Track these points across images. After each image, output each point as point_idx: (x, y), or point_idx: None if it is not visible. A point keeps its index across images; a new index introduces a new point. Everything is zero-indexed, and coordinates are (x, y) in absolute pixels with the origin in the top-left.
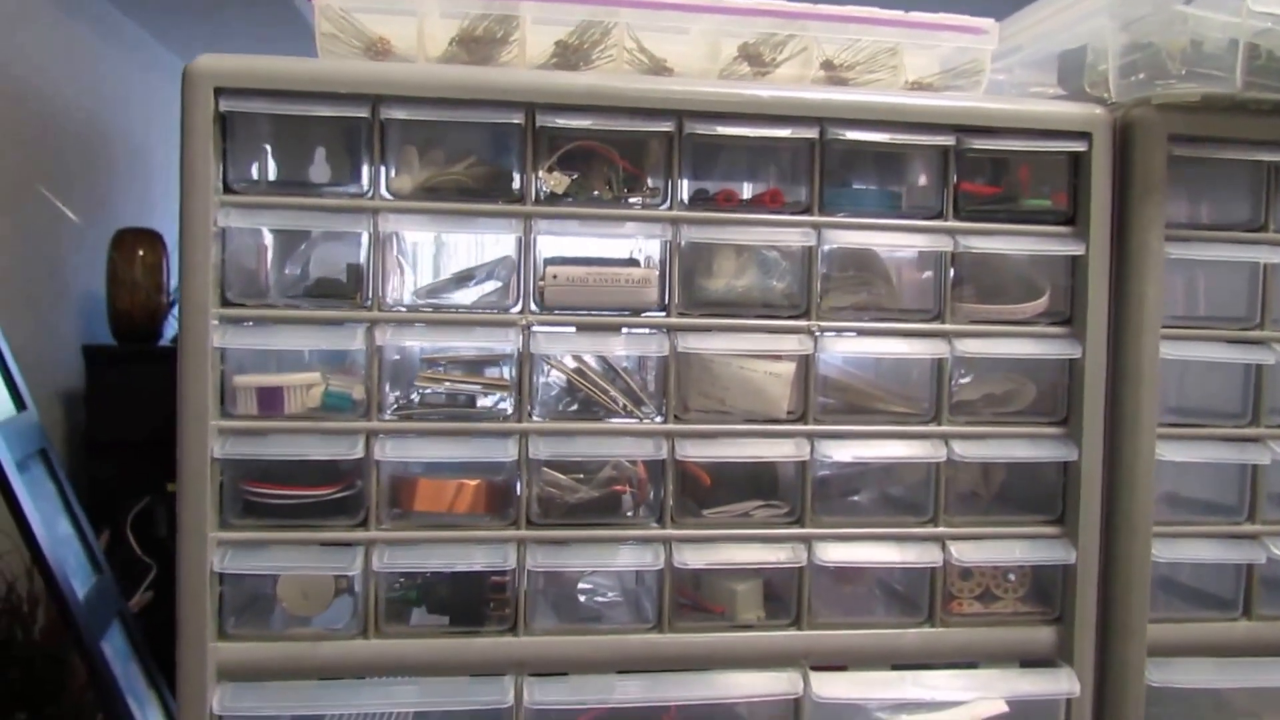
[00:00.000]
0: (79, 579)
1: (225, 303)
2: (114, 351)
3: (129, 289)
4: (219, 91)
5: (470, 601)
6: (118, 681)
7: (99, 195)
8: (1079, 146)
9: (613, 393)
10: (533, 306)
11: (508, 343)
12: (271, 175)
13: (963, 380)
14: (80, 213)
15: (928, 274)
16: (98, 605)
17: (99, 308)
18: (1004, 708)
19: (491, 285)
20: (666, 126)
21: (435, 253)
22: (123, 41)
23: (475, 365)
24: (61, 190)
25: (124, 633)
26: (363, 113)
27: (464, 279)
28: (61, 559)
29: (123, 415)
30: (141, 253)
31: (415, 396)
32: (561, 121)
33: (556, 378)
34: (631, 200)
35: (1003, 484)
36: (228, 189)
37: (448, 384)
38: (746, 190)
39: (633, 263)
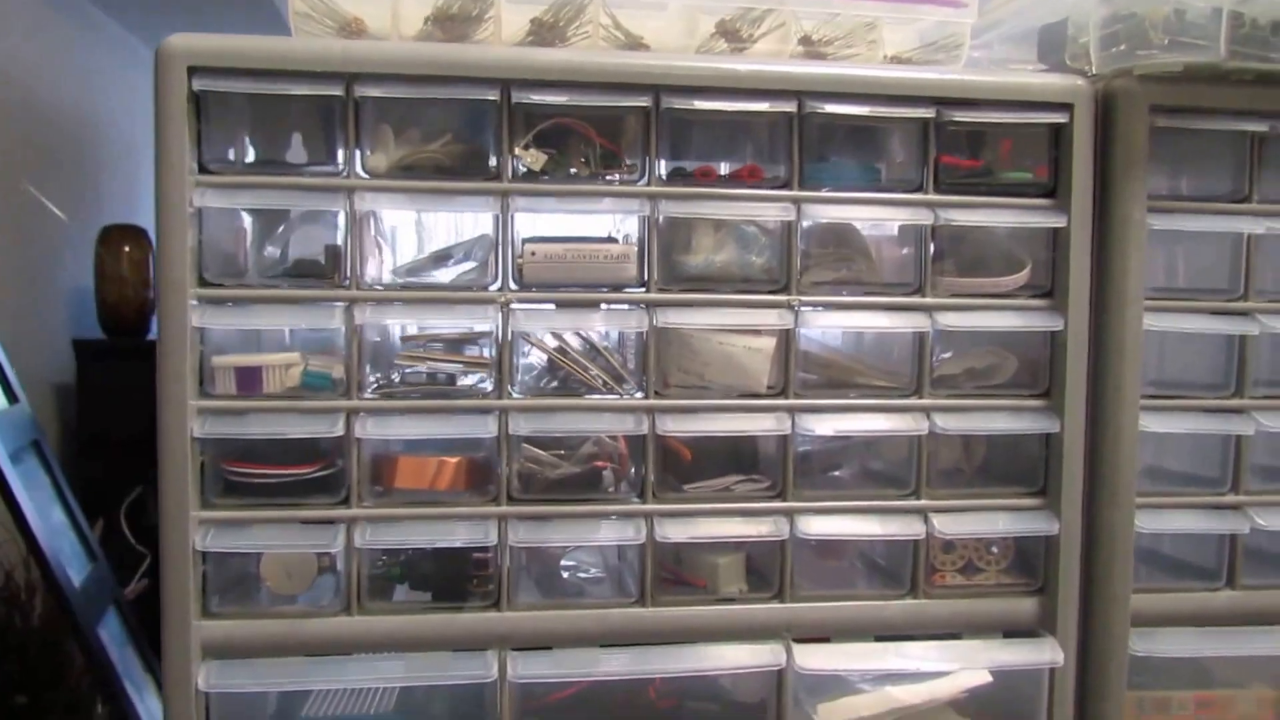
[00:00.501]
0: (74, 567)
1: (204, 283)
2: (103, 345)
3: (116, 284)
4: (192, 71)
5: (453, 578)
6: (114, 666)
7: (86, 192)
8: (1060, 118)
9: (593, 370)
10: (511, 284)
11: (487, 320)
12: (248, 156)
13: (944, 355)
14: (68, 210)
15: (908, 249)
16: (93, 592)
17: (88, 303)
18: (987, 678)
19: (470, 264)
20: (643, 101)
21: (414, 233)
22: (107, 40)
23: (455, 344)
24: (49, 188)
25: (120, 619)
26: (337, 91)
27: (442, 258)
28: (56, 548)
29: (113, 407)
30: (128, 248)
31: (395, 376)
32: (537, 98)
33: (538, 357)
34: (609, 177)
35: (985, 458)
36: (203, 169)
37: (428, 363)
38: (725, 169)
39: (611, 241)
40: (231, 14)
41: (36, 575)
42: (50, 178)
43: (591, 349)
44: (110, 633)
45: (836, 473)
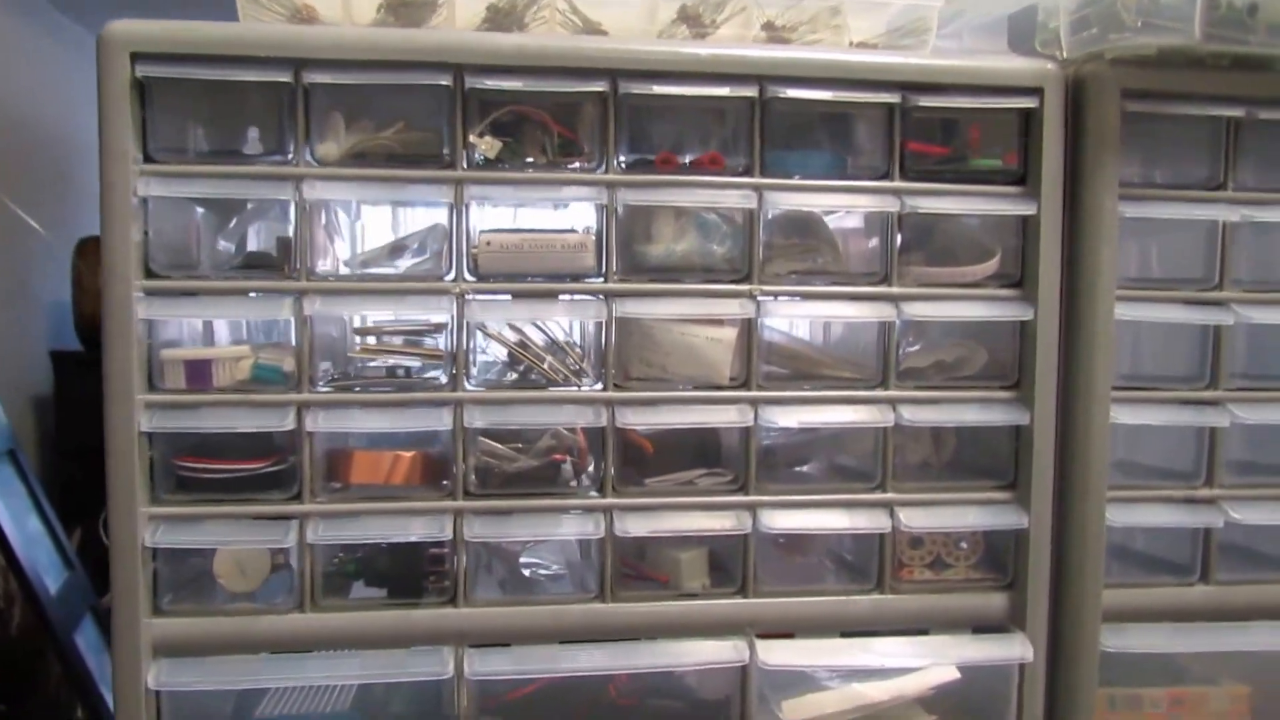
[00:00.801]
0: (51, 576)
1: (151, 275)
2: (81, 357)
3: (93, 295)
4: (135, 57)
5: (409, 574)
6: (92, 674)
7: (63, 205)
8: (1029, 103)
9: (551, 362)
10: (467, 275)
11: (441, 311)
12: (196, 145)
13: (912, 348)
14: (45, 222)
15: (876, 241)
16: (70, 601)
17: (66, 315)
18: (956, 674)
19: (425, 254)
20: (599, 87)
21: (369, 225)
22: (82, 52)
23: (410, 336)
24: (27, 201)
25: (96, 627)
26: (284, 77)
27: (398, 250)
28: (33, 557)
29: (91, 418)
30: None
31: (348, 369)
32: (491, 83)
33: (498, 351)
34: (569, 166)
35: (954, 452)
36: (149, 159)
37: (380, 355)
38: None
39: (570, 231)
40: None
41: (14, 585)
42: (26, 190)
43: (551, 342)
44: (87, 640)
45: (803, 468)
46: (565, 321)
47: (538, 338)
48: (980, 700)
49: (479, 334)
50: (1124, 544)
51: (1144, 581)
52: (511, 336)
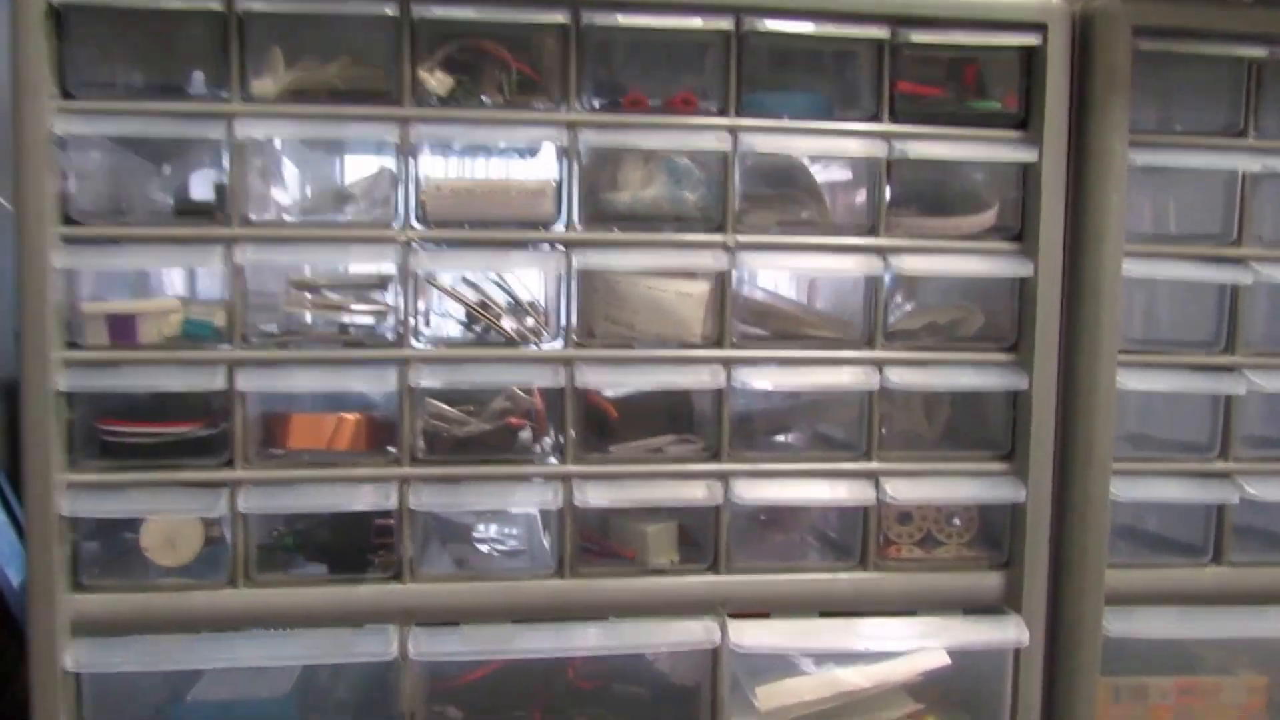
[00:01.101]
0: (13, 567)
1: (70, 222)
2: None
3: None
4: None
5: (351, 547)
6: None
7: None
8: (1032, 40)
9: (513, 324)
10: (415, 223)
11: (387, 262)
12: (124, 81)
13: (903, 309)
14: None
15: (863, 194)
16: None
17: None
18: (945, 660)
19: (371, 202)
20: (560, 17)
21: (317, 176)
22: None
23: (355, 289)
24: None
25: None
26: (215, 5)
27: (343, 198)
28: None
29: None
30: None
31: (291, 326)
32: (440, 10)
33: (453, 310)
34: (531, 106)
35: (948, 422)
36: (69, 95)
37: (319, 309)
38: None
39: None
40: None
41: None
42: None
43: (514, 302)
44: None
45: (783, 438)
46: (528, 280)
47: (501, 299)
48: (971, 688)
49: (434, 293)
50: (1130, 523)
51: (1151, 562)
52: (472, 296)
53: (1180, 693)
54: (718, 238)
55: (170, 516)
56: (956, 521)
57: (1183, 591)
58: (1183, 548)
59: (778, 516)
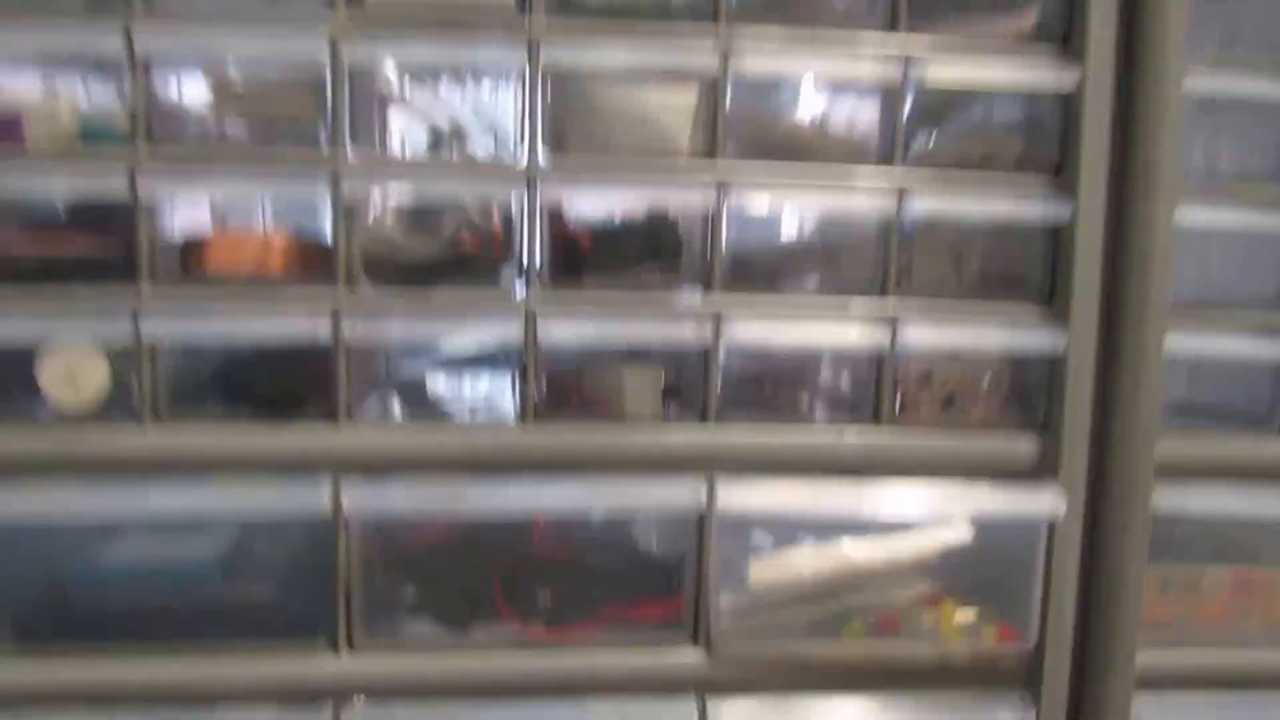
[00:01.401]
0: None
1: None
2: None
3: None
4: None
5: (279, 387)
6: None
7: None
8: None
9: (463, 131)
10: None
11: (316, 51)
12: None
13: (925, 138)
14: None
15: None
16: None
17: None
18: (967, 535)
19: None
20: None
21: None
22: None
23: (281, 88)
24: None
25: None
26: None
27: None
28: None
29: None
30: None
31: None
32: None
33: (413, 126)
34: None
35: (980, 271)
36: None
37: (236, 109)
38: None
39: None
40: None
41: None
42: None
43: (464, 101)
44: None
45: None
46: (471, 74)
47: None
48: (996, 569)
49: (392, 107)
50: (1186, 398)
51: (1209, 430)
52: (441, 117)
53: (1235, 587)
54: (710, 26)
55: (69, 348)
56: (985, 382)
57: (1247, 464)
58: (1245, 416)
59: (781, 376)
